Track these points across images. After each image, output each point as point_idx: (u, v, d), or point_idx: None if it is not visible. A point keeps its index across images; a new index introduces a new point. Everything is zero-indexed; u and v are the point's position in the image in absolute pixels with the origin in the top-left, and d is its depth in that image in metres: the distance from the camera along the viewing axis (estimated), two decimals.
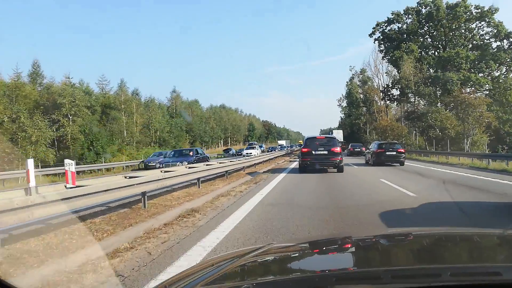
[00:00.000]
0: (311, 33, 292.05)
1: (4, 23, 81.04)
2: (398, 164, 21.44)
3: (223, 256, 1.93)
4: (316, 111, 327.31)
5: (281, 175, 16.00)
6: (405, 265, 1.41)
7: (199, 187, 11.30)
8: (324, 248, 1.84)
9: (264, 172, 18.61)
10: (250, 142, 39.77)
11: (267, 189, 10.69)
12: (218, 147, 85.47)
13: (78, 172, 27.93)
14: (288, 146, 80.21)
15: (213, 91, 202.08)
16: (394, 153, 21.54)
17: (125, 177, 8.00)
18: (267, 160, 24.81)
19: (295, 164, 23.02)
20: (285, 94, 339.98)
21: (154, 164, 26.92)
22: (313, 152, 16.20)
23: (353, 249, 1.83)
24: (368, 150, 25.49)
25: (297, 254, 1.77)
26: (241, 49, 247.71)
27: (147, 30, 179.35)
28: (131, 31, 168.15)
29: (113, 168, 27.84)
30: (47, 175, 26.13)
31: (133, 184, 7.41)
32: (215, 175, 14.48)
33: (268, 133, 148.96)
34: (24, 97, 38.10)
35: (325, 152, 16.10)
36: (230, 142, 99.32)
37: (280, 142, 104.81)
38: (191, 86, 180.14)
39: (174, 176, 9.61)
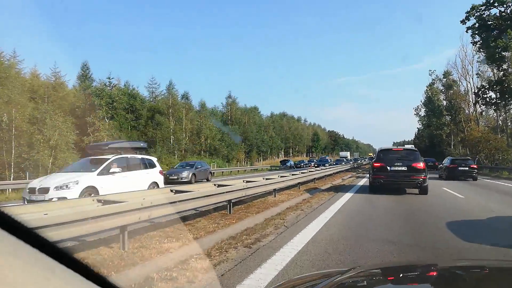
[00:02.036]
0: (384, 41, 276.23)
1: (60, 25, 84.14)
2: (471, 179, 22.06)
3: (307, 277, 1.84)
4: (389, 123, 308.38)
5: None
6: None
7: (123, 249, 5.05)
8: (413, 275, 1.75)
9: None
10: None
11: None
12: (278, 157, 79.22)
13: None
14: (351, 160, 66.77)
15: (277, 99, 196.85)
16: (467, 168, 22.35)
17: None
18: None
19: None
20: (355, 104, 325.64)
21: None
22: (388, 167, 13.10)
23: (442, 278, 1.68)
24: (441, 165, 25.94)
25: (385, 279, 1.70)
26: (310, 58, 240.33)
27: (209, 36, 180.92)
28: (190, 35, 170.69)
29: None
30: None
31: None
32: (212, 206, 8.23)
33: (335, 144, 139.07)
34: (61, 98, 35.49)
35: (404, 168, 12.94)
36: (291, 153, 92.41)
37: (342, 154, 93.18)
38: (253, 93, 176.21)
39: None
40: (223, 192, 8.12)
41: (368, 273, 1.77)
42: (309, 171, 19.03)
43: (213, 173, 27.04)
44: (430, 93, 72.46)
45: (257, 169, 48.84)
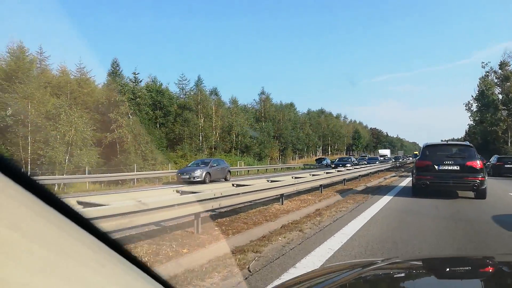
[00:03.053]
0: (429, 36, 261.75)
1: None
2: None
3: (343, 265, 1.75)
4: (436, 121, 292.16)
5: None
6: None
7: None
8: (460, 270, 1.55)
9: None
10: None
11: None
12: (315, 155, 75.71)
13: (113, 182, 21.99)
14: (391, 159, 58.54)
15: (315, 98, 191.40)
16: None
17: None
18: None
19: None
20: (400, 102, 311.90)
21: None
22: (436, 166, 11.20)
23: (492, 273, 1.48)
24: (488, 163, 25.28)
25: (425, 272, 1.54)
26: (354, 53, 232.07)
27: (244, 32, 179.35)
28: (223, 31, 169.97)
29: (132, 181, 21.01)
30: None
31: None
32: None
33: (377, 142, 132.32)
34: (86, 94, 34.73)
35: (456, 168, 11.05)
36: (330, 151, 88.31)
37: (382, 152, 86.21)
38: (291, 90, 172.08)
39: None
40: (186, 203, 5.59)
41: (406, 265, 1.61)
42: (337, 171, 16.07)
43: (231, 171, 24.57)
44: (483, 87, 65.90)
45: (289, 167, 46.00)
